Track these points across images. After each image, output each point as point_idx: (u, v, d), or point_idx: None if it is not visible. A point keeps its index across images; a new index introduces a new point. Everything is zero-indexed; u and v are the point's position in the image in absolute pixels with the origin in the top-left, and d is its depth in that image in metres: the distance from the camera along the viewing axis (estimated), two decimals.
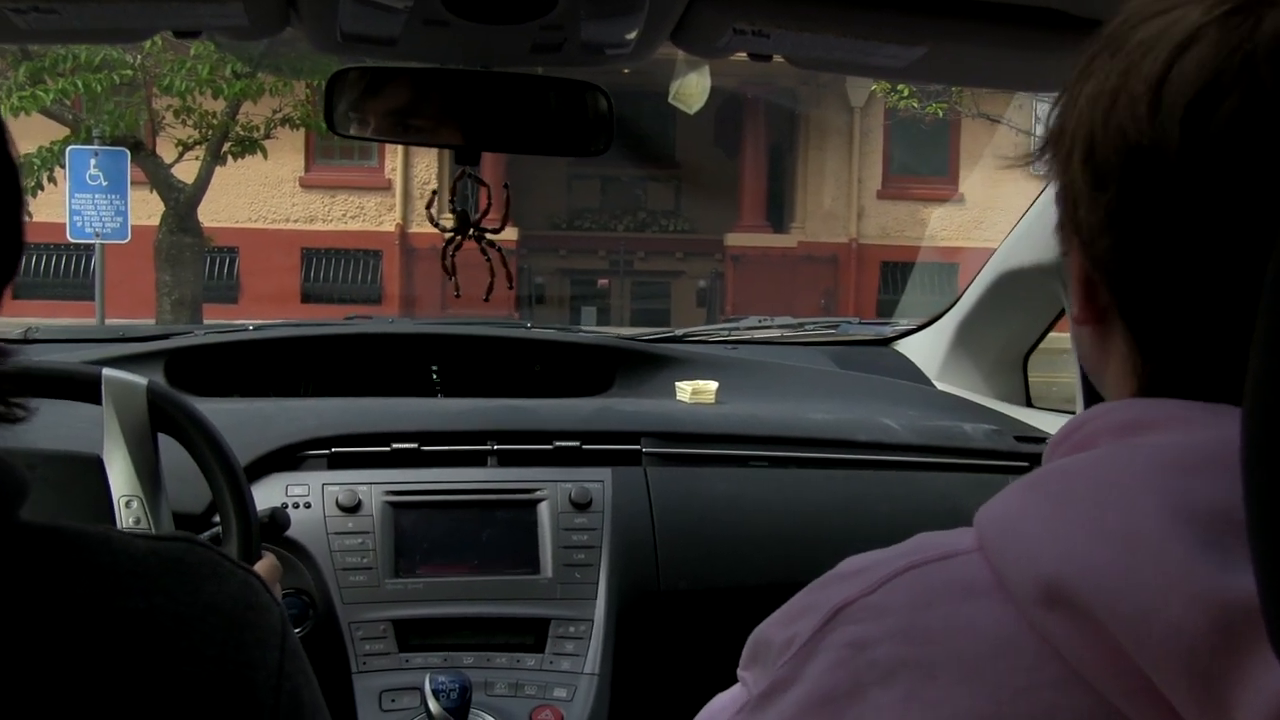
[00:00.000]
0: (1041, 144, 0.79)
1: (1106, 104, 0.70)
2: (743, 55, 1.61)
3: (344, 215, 17.74)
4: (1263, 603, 0.53)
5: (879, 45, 1.46)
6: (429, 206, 1.91)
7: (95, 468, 1.60)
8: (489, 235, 1.80)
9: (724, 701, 0.88)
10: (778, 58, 1.60)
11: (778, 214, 18.96)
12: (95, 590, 0.69)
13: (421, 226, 16.76)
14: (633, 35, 1.49)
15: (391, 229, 17.54)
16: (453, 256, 1.82)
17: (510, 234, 16.25)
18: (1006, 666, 0.65)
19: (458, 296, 1.87)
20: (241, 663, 0.71)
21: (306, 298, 16.89)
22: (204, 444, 1.61)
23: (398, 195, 17.56)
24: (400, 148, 16.47)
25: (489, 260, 1.82)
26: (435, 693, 1.71)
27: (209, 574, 0.74)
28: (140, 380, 1.60)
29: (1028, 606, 0.65)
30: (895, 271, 17.66)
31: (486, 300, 1.80)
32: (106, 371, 1.59)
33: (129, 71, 10.94)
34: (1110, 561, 0.61)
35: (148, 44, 10.31)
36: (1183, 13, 0.69)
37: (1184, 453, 0.63)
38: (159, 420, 1.61)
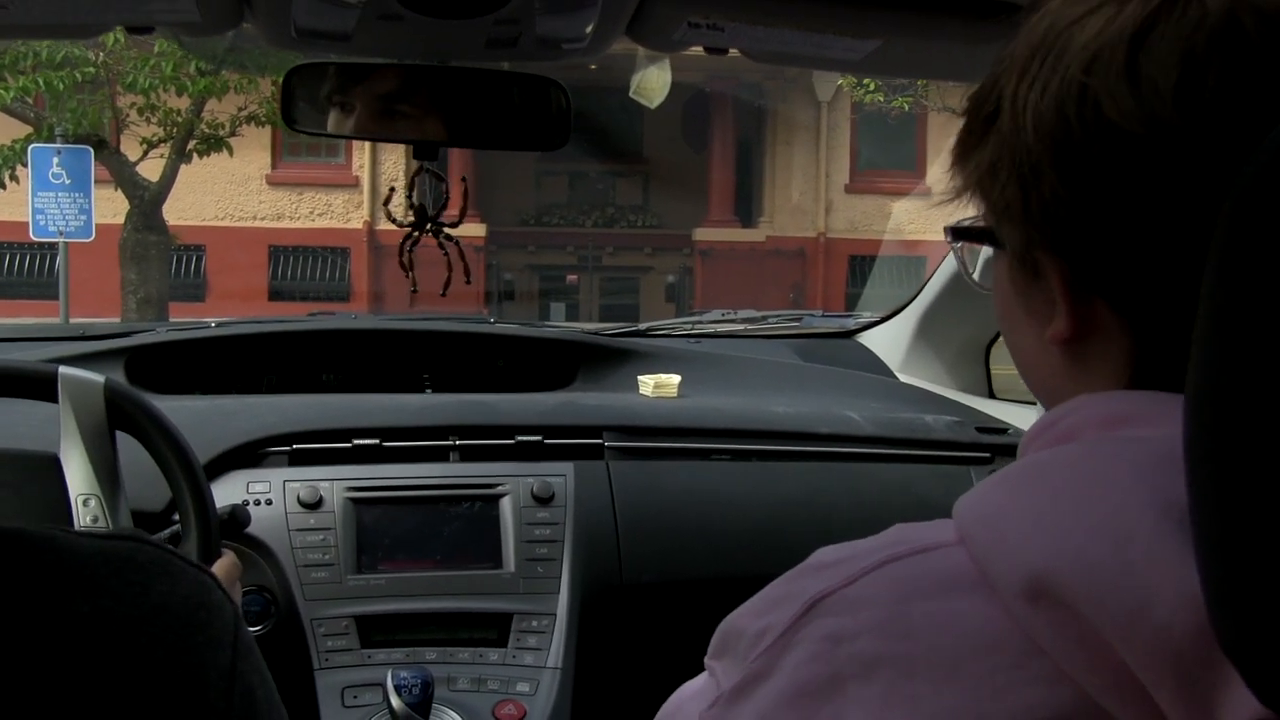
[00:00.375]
0: (978, 174, 0.76)
1: (1075, 102, 0.68)
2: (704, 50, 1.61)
3: (311, 213, 17.67)
4: (1205, 592, 0.53)
5: (833, 38, 1.46)
6: (385, 203, 1.90)
7: (52, 467, 1.59)
8: (447, 229, 1.79)
9: (692, 690, 0.87)
10: (736, 51, 1.61)
11: (746, 209, 18.99)
12: (38, 593, 0.67)
13: (390, 223, 16.70)
14: (589, 29, 1.49)
15: (359, 226, 17.48)
16: (410, 252, 1.81)
17: (478, 230, 16.23)
18: (988, 664, 0.65)
19: (414, 292, 1.87)
20: (192, 663, 0.69)
21: (274, 295, 16.82)
22: (162, 441, 1.60)
23: (365, 192, 17.50)
24: (368, 145, 16.40)
25: (446, 254, 1.82)
26: (398, 688, 1.71)
27: (159, 573, 0.72)
28: (97, 378, 1.60)
29: (1012, 601, 0.64)
30: (863, 265, 17.71)
31: (444, 295, 1.80)
32: (63, 369, 1.58)
33: (91, 69, 10.86)
34: (1099, 557, 0.61)
35: (110, 41, 10.26)
36: (1116, 8, 0.68)
37: (1170, 447, 0.61)
38: (117, 418, 1.60)
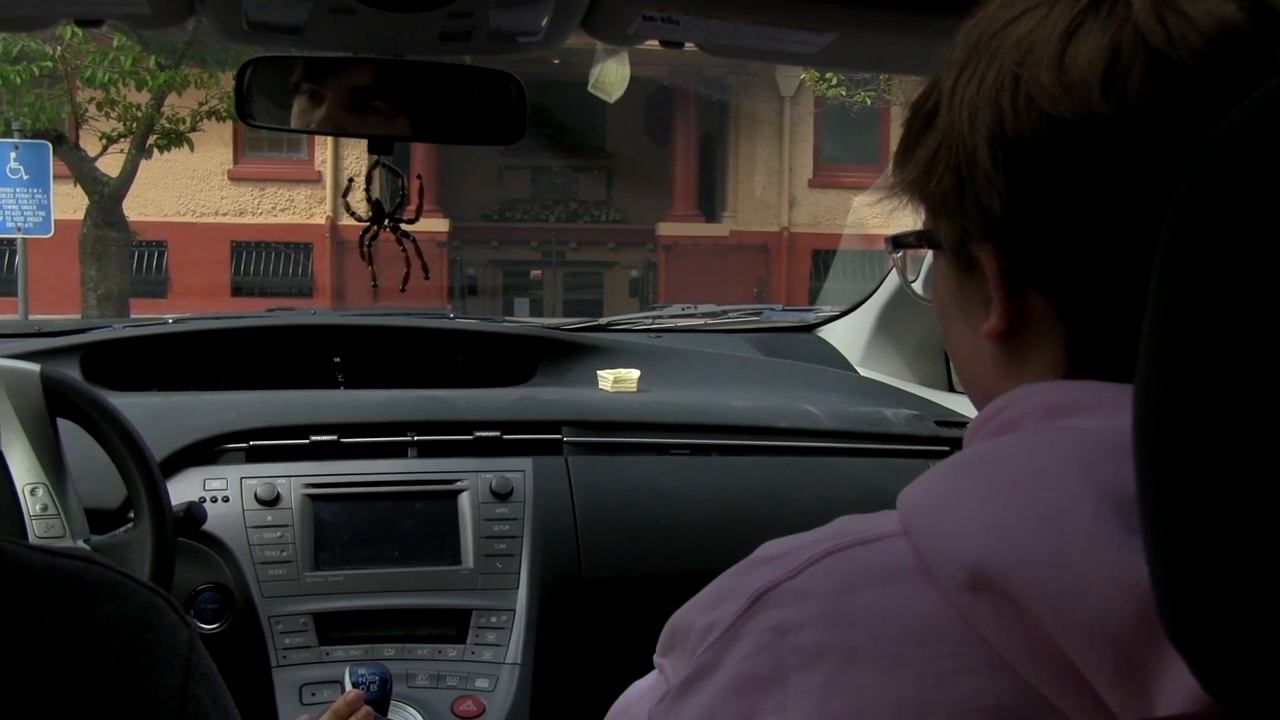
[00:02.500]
0: (917, 171, 0.77)
1: (1009, 91, 0.69)
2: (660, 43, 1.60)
3: (274, 208, 17.57)
4: (1153, 576, 0.53)
5: (788, 31, 1.46)
6: (344, 195, 1.89)
7: None
8: (404, 225, 1.79)
9: (641, 689, 0.88)
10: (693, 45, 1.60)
11: (709, 203, 19.00)
12: None
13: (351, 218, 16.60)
14: (543, 22, 1.49)
15: (322, 221, 17.40)
16: (369, 246, 1.81)
17: (441, 225, 16.19)
18: (930, 652, 0.65)
19: (375, 286, 1.86)
20: (137, 684, 0.69)
21: (237, 291, 16.74)
22: (106, 425, 1.60)
23: (328, 187, 17.40)
24: (330, 139, 16.32)
25: (405, 251, 1.81)
26: (356, 685, 1.70)
27: (107, 594, 0.71)
28: (32, 367, 1.59)
29: (953, 591, 0.65)
30: (827, 260, 17.74)
31: (403, 291, 1.79)
32: None
33: (49, 63, 10.78)
34: (1038, 546, 0.61)
35: (68, 34, 10.17)
36: (1046, 10, 0.70)
37: (1111, 437, 0.62)
38: (56, 405, 1.60)
